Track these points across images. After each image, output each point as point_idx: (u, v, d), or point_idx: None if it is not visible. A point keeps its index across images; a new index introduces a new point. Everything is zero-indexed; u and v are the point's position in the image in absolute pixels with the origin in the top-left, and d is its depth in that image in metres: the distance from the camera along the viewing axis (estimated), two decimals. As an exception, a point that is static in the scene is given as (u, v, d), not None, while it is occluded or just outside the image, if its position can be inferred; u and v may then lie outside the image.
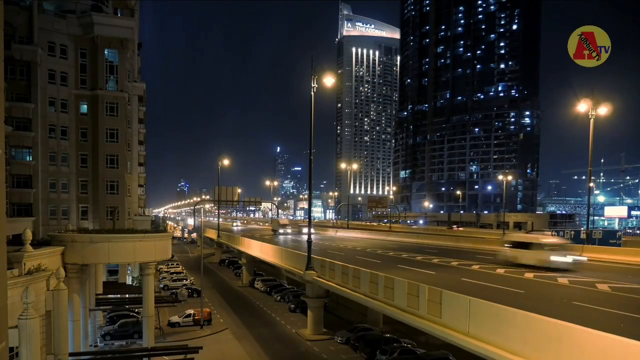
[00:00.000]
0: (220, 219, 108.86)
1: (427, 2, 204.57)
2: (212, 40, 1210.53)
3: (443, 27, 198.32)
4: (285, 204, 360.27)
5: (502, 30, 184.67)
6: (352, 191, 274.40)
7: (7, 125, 35.80)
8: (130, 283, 55.04)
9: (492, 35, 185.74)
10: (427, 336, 33.42)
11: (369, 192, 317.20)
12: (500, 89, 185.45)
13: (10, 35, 41.76)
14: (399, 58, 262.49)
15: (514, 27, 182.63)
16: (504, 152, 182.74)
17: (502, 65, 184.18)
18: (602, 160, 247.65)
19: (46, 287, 22.97)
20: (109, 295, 43.93)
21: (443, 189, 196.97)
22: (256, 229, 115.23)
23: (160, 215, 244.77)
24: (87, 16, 46.90)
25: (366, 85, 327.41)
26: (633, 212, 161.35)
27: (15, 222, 38.02)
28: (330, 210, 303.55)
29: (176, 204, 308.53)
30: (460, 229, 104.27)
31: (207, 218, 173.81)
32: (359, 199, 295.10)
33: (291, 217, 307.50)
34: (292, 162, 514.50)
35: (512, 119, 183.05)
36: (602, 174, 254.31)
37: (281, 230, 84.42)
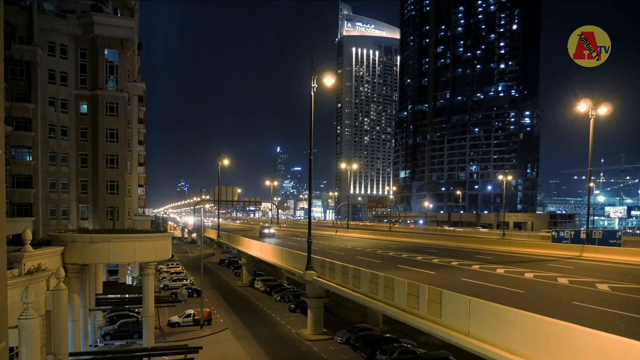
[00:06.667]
0: (220, 219, 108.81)
1: (427, 2, 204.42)
2: (212, 40, 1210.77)
3: (443, 27, 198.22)
4: (285, 204, 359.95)
5: (502, 30, 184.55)
6: (352, 191, 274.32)
7: (7, 125, 35.80)
8: (130, 283, 55.02)
9: (492, 35, 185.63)
10: (427, 336, 33.43)
11: (369, 192, 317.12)
12: (500, 89, 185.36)
13: (10, 35, 41.70)
14: (399, 58, 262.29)
15: (514, 27, 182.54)
16: (504, 152, 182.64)
17: (502, 65, 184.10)
18: (602, 160, 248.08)
19: (46, 287, 22.98)
20: (109, 295, 43.93)
21: (443, 189, 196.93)
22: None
23: (161, 215, 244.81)
24: (87, 16, 46.83)
25: (366, 85, 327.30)
26: (633, 212, 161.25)
27: (15, 222, 37.99)
28: (330, 210, 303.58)
29: (176, 204, 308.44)
30: (460, 229, 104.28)
31: (207, 218, 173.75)
32: (359, 199, 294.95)
33: (291, 217, 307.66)
34: (292, 162, 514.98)
35: (512, 119, 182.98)
36: (602, 174, 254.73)
37: None
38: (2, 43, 12.00)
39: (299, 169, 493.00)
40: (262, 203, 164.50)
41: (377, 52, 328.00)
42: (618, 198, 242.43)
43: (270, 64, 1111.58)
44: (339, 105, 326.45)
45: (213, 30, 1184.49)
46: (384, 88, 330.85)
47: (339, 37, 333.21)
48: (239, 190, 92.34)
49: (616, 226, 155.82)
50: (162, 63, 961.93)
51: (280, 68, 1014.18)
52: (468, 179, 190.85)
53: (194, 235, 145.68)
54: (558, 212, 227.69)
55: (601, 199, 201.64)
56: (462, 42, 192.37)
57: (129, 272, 57.39)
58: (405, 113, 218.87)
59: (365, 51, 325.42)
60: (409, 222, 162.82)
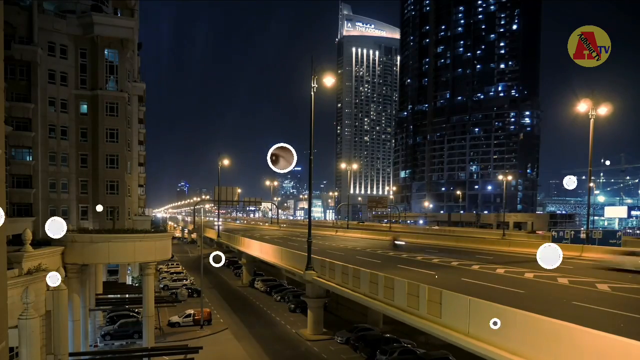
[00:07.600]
0: (220, 219, 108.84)
1: (427, 2, 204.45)
2: (213, 40, 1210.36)
3: (443, 27, 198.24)
4: (285, 204, 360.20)
5: (502, 30, 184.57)
6: (352, 191, 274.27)
7: (7, 125, 35.78)
8: (130, 283, 55.05)
9: (492, 35, 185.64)
10: (427, 336, 33.41)
11: (369, 192, 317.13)
12: (500, 89, 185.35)
13: (10, 35, 41.70)
14: (399, 58, 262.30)
15: (514, 27, 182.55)
16: (504, 152, 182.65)
17: (502, 65, 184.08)
18: (602, 160, 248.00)
19: (46, 287, 22.96)
20: (109, 295, 43.96)
21: (443, 189, 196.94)
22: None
23: (160, 215, 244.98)
24: (87, 16, 46.82)
25: (366, 85, 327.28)
26: (633, 212, 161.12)
27: (15, 222, 37.94)
28: (330, 210, 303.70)
29: (176, 204, 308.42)
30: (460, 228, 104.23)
31: (207, 218, 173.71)
32: (359, 199, 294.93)
33: (291, 217, 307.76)
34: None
35: (512, 119, 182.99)
36: (602, 174, 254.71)
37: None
38: (2, 43, 12.01)
39: (299, 169, 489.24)
40: (262, 203, 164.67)
41: (377, 52, 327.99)
42: (618, 198, 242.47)
43: (270, 64, 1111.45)
44: (339, 105, 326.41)
45: (213, 30, 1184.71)
46: (384, 88, 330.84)
47: (339, 37, 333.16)
48: (239, 191, 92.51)
49: (616, 226, 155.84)
50: (162, 63, 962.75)
51: (280, 68, 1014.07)
52: (468, 179, 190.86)
53: (194, 235, 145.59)
54: (558, 212, 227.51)
55: (601, 199, 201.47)
56: (462, 42, 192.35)
57: (129, 272, 57.41)
58: (405, 113, 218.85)
59: (365, 51, 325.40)
60: (409, 222, 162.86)
